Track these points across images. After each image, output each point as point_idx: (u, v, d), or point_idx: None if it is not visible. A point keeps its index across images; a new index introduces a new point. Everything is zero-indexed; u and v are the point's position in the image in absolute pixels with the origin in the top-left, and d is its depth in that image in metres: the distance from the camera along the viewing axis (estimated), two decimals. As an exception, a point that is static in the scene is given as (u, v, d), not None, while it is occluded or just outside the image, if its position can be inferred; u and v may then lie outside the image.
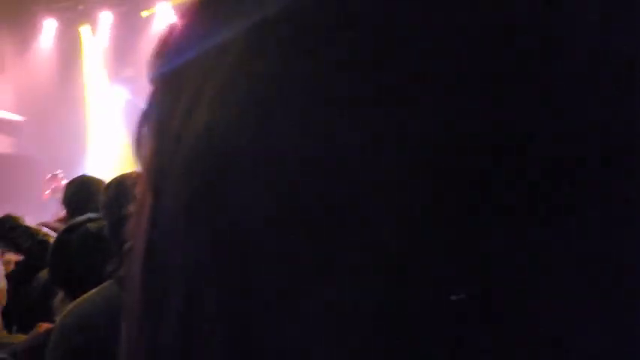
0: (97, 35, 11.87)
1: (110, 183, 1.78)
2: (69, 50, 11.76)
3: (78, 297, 1.72)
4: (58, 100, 11.43)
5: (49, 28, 11.61)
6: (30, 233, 3.02)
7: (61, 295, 1.96)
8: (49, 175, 9.77)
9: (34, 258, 2.74)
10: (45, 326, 1.97)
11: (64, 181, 10.18)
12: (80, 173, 11.61)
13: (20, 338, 2.10)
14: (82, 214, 2.30)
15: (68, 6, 11.49)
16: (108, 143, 12.09)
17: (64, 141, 11.42)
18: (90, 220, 1.87)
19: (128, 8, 11.72)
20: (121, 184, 1.65)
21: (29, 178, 10.67)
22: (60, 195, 9.63)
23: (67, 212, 3.24)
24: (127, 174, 1.73)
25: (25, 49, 11.54)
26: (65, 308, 1.41)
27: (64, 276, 1.81)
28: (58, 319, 1.39)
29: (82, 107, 11.98)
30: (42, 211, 10.48)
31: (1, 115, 10.66)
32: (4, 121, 10.74)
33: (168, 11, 11.76)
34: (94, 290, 1.25)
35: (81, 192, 3.12)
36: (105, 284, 1.24)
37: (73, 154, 11.40)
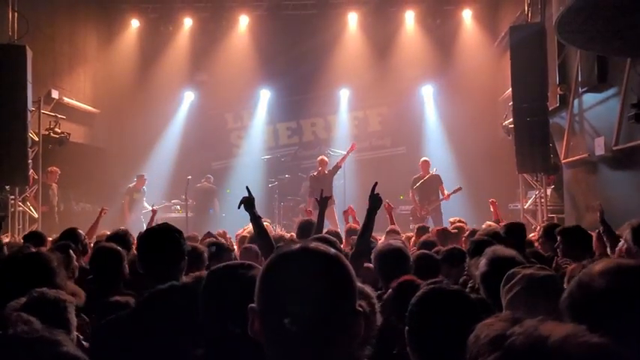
0: (177, 38, 12.34)
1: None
2: (148, 50, 12.23)
3: None
4: (132, 96, 11.88)
5: (133, 27, 12.13)
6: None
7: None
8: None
9: None
10: None
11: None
12: (146, 168, 11.65)
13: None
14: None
15: (155, 8, 12.02)
16: (173, 143, 12.45)
17: (134, 136, 11.84)
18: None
19: (211, 15, 12.15)
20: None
21: (98, 167, 11.11)
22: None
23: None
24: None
25: (109, 44, 12.06)
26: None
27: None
28: None
29: (154, 105, 12.40)
30: (105, 199, 10.87)
31: (79, 106, 11.10)
32: (81, 112, 11.19)
33: (249, 23, 12.12)
34: None
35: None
36: None
37: (141, 149, 11.81)
